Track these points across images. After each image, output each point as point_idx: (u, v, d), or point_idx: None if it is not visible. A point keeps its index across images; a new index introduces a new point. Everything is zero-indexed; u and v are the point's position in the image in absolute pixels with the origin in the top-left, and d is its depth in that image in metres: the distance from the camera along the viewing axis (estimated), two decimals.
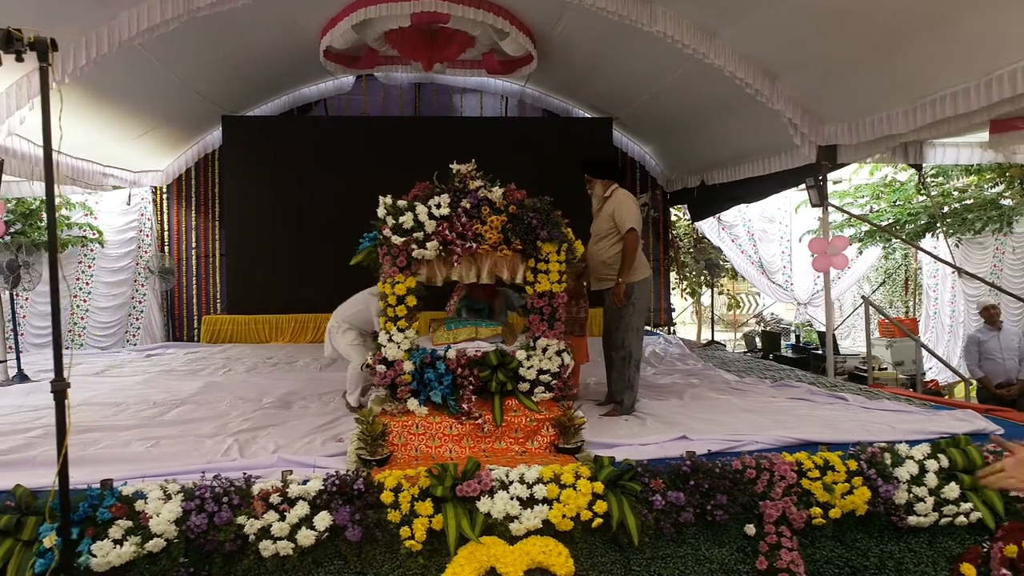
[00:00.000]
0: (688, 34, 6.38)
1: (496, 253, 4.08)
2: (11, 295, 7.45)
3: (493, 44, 8.27)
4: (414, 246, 3.95)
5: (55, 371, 2.41)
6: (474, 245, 4.01)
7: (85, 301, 9.55)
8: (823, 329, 8.52)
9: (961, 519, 3.29)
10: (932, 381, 9.67)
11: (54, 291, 2.40)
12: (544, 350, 4.09)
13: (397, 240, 3.94)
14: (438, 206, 3.99)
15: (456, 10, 7.22)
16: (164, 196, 10.33)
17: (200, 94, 8.71)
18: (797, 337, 11.38)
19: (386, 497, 3.02)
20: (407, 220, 3.95)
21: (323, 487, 3.03)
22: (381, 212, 3.99)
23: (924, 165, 8.06)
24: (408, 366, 3.95)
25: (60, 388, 2.37)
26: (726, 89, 6.93)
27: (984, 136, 6.48)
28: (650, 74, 8.28)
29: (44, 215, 9.00)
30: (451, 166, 4.15)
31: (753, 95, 6.68)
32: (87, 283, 9.55)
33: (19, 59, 2.29)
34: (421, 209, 3.96)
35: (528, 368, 4.05)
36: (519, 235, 4.03)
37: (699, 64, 6.72)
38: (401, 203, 4.00)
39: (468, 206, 4.01)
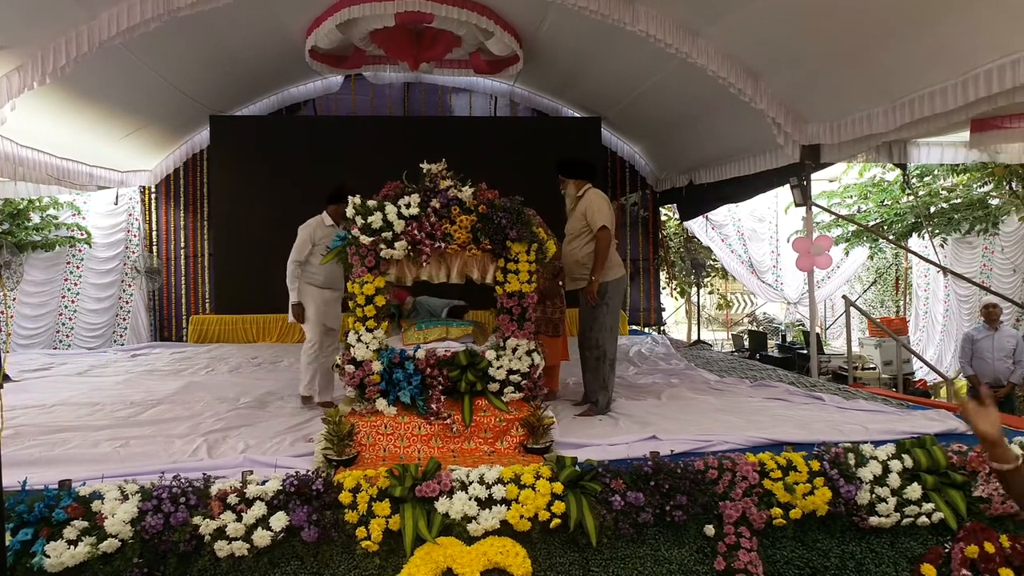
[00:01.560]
0: (671, 33, 6.37)
1: (465, 253, 4.07)
2: None
3: (479, 44, 8.26)
4: (383, 246, 3.94)
5: None
6: (443, 245, 4.00)
7: (73, 302, 9.55)
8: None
9: (923, 519, 3.28)
10: (920, 381, 9.66)
11: None
12: (514, 350, 4.08)
13: (366, 240, 3.93)
14: (407, 206, 3.97)
15: (440, 10, 7.22)
16: (152, 196, 10.33)
17: (186, 94, 8.70)
18: (783, 336, 11.37)
19: (344, 497, 3.02)
20: (376, 220, 3.94)
21: (282, 487, 3.03)
22: (350, 212, 3.99)
23: (908, 164, 8.05)
24: (377, 366, 3.94)
25: None
26: (711, 88, 6.94)
27: (967, 135, 6.47)
28: (636, 73, 8.28)
29: (32, 215, 9.02)
30: (421, 165, 4.14)
31: (737, 94, 6.68)
32: (75, 284, 9.55)
33: None
34: (390, 209, 3.95)
35: (498, 368, 4.04)
36: (488, 235, 4.02)
37: (684, 64, 6.72)
38: (370, 203, 3.99)
39: (438, 206, 4.00)
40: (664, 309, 11.77)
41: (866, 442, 3.66)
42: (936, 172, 9.43)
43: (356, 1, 7.14)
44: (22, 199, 8.74)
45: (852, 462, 3.39)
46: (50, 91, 6.35)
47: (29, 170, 7.17)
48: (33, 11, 5.37)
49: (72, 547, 2.76)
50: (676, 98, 8.35)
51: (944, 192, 9.79)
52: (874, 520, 3.24)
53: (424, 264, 4.05)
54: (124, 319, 9.93)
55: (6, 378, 6.88)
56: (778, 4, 5.53)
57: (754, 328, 13.31)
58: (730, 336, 13.68)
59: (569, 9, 6.46)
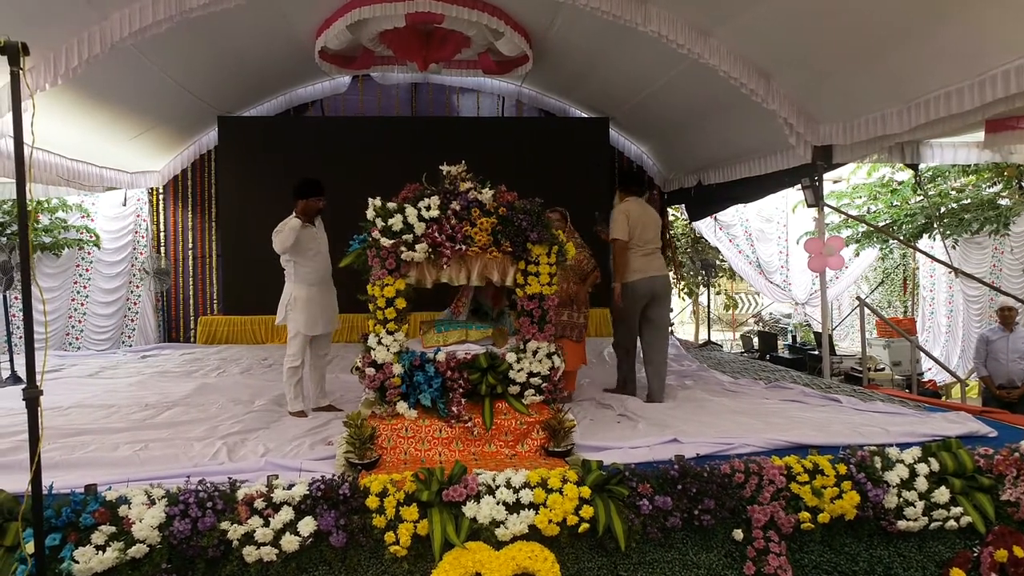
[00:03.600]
0: (682, 34, 6.35)
1: (486, 255, 4.06)
2: (4, 297, 7.44)
3: (488, 44, 8.25)
4: (403, 248, 3.93)
5: (27, 378, 2.38)
6: (463, 247, 3.99)
7: (83, 304, 9.54)
8: (820, 329, 8.50)
9: (951, 523, 3.27)
10: (930, 381, 9.65)
11: (26, 296, 2.39)
12: (534, 352, 4.07)
13: (386, 242, 3.91)
14: (428, 208, 3.96)
15: (450, 10, 7.19)
16: (160, 197, 10.31)
17: (195, 95, 8.68)
18: (794, 337, 11.35)
19: (371, 502, 3.00)
20: (396, 222, 3.92)
21: (308, 492, 3.01)
22: (370, 214, 3.97)
23: (921, 165, 8.03)
24: (397, 369, 3.93)
25: (33, 395, 2.34)
26: (722, 88, 6.91)
27: (980, 136, 6.45)
28: (646, 73, 8.26)
29: (41, 217, 9.01)
30: (441, 167, 4.13)
31: (748, 95, 6.66)
32: (85, 286, 9.54)
33: None
34: (411, 211, 3.93)
35: (518, 371, 4.03)
36: (509, 237, 4.01)
37: (694, 63, 6.69)
38: (391, 205, 3.98)
39: (458, 208, 3.99)
40: (672, 310, 11.73)
41: (889, 445, 3.65)
42: (948, 172, 9.40)
43: (367, 1, 7.12)
44: (30, 200, 8.70)
45: (879, 465, 3.37)
46: (60, 92, 6.32)
47: (39, 171, 7.16)
48: (45, 12, 5.36)
49: (100, 552, 2.74)
50: (685, 98, 8.33)
51: (954, 192, 9.76)
52: (902, 524, 3.23)
53: (444, 266, 4.04)
54: (132, 320, 9.92)
55: (17, 379, 6.87)
56: (790, 4, 5.51)
57: (762, 328, 13.29)
58: (737, 336, 13.65)
59: (580, 9, 6.44)
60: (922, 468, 3.39)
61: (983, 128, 6.10)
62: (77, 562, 2.71)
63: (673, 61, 7.25)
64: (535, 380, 4.06)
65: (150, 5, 5.70)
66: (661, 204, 11.27)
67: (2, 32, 2.49)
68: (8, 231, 8.40)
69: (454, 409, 3.91)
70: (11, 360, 6.99)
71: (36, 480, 2.33)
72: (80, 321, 9.49)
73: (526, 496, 3.08)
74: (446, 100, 10.84)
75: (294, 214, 5.11)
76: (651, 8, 6.24)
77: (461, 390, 3.97)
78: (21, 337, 8.47)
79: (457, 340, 4.24)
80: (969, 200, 9.51)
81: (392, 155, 9.48)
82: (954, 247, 9.76)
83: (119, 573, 2.77)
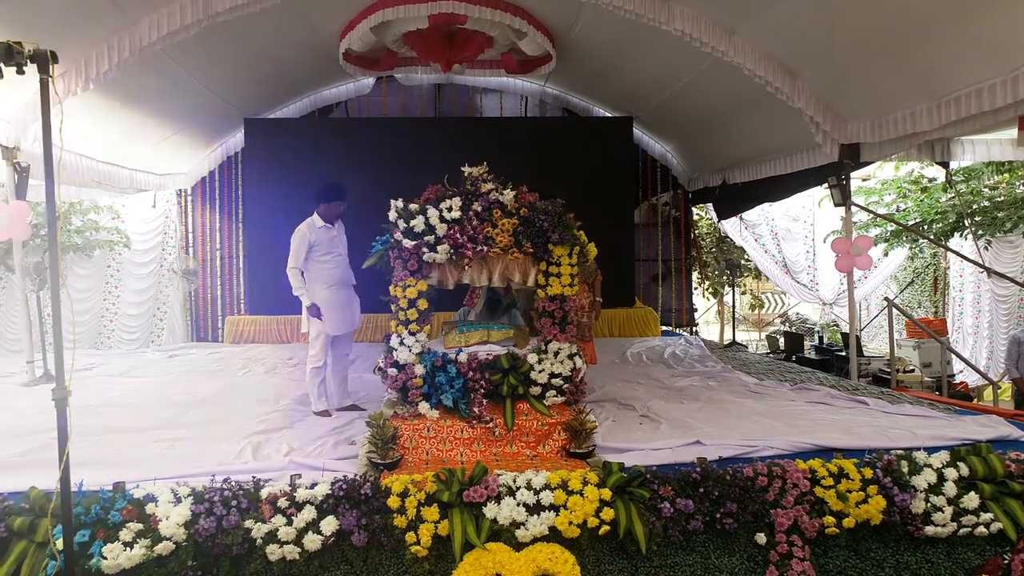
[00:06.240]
0: (706, 32, 6.30)
1: (507, 256, 4.06)
2: (38, 297, 7.60)
3: (511, 44, 8.25)
4: (425, 249, 3.95)
5: (56, 379, 2.43)
6: (485, 248, 4.00)
7: (114, 304, 9.73)
8: (848, 330, 8.37)
9: (981, 530, 3.21)
10: (961, 383, 9.45)
11: (55, 297, 2.44)
12: (556, 353, 4.07)
13: (408, 244, 3.94)
14: (449, 209, 3.98)
15: (473, 11, 7.21)
16: (188, 198, 10.46)
17: (222, 97, 8.81)
18: (821, 338, 11.20)
19: (393, 502, 3.03)
20: (418, 224, 3.95)
21: (330, 491, 3.05)
22: (392, 215, 4.00)
23: (952, 163, 7.86)
24: (419, 369, 3.96)
25: (61, 396, 2.40)
26: (746, 87, 6.84)
27: (1014, 132, 6.30)
28: (669, 72, 8.20)
29: (74, 218, 9.21)
30: (463, 168, 4.14)
31: (773, 93, 6.59)
32: (116, 286, 9.73)
33: (20, 71, 2.31)
34: (432, 212, 3.96)
35: (540, 372, 4.03)
36: (530, 238, 4.02)
37: (719, 62, 6.63)
38: (413, 206, 4.00)
39: (479, 209, 4.01)
40: (696, 309, 11.64)
41: (917, 449, 3.59)
42: (981, 171, 9.17)
43: (391, 3, 7.17)
44: (63, 202, 8.91)
45: (906, 470, 3.31)
46: (93, 96, 6.47)
47: (72, 174, 7.31)
48: (76, 17, 5.47)
49: (128, 549, 2.80)
50: (709, 97, 8.26)
51: (987, 190, 9.53)
52: (930, 530, 3.17)
53: (466, 268, 4.05)
54: (161, 320, 10.09)
55: (51, 377, 7.02)
56: (816, 0, 5.44)
57: (788, 329, 13.14)
58: (763, 337, 13.50)
59: (603, 8, 6.43)
60: (951, 473, 3.33)
61: (1016, 125, 5.96)
62: (106, 558, 2.77)
63: (697, 59, 7.20)
64: (557, 381, 4.05)
65: (178, 10, 5.81)
66: (685, 204, 11.21)
67: (34, 38, 2.54)
68: (43, 232, 8.59)
69: (476, 410, 3.92)
70: (44, 359, 7.14)
71: (65, 478, 2.38)
72: (111, 320, 9.68)
73: (547, 498, 3.09)
74: (469, 100, 10.86)
75: (315, 215, 5.13)
76: (674, 6, 6.20)
77: (483, 391, 3.99)
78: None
79: (479, 341, 4.25)
80: (1003, 198, 9.28)
81: (415, 155, 9.53)
82: (986, 248, 9.53)
83: (146, 570, 2.82)
